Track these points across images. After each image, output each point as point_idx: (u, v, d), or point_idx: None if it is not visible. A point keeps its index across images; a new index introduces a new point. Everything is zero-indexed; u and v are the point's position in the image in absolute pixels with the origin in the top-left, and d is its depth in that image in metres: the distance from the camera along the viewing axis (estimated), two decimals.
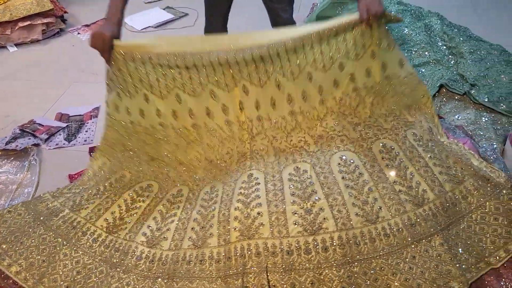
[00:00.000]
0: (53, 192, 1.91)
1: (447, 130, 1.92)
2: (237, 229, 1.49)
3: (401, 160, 1.62)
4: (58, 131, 2.62)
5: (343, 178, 1.57)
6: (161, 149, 1.82)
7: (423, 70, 2.44)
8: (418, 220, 1.47)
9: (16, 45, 3.59)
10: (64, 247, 1.62)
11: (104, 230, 1.67)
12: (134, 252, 1.57)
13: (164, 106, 1.75)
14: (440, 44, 2.55)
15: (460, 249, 1.43)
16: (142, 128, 1.82)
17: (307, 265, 1.39)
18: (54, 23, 3.69)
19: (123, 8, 1.78)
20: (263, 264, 1.40)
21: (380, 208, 1.50)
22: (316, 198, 1.51)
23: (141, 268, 1.52)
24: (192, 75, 1.70)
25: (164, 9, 4.06)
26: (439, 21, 2.67)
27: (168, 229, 1.63)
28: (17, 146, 2.43)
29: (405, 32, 2.59)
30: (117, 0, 1.78)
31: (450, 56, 2.48)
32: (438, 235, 1.44)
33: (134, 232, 1.66)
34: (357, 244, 1.42)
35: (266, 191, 1.57)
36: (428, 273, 1.37)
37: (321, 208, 1.49)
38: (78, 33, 3.78)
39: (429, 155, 1.63)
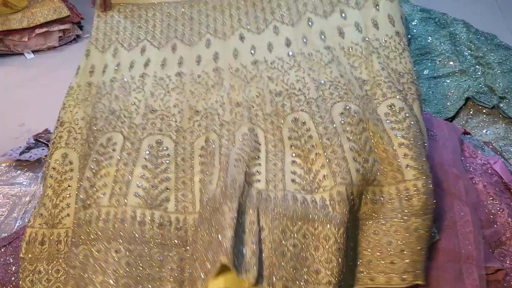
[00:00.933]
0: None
1: (475, 147, 1.82)
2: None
3: (411, 123, 1.44)
4: None
5: (344, 130, 1.41)
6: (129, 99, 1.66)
7: (448, 81, 2.34)
8: (419, 192, 1.34)
9: (33, 52, 3.59)
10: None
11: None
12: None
13: (156, 57, 1.76)
14: (466, 53, 2.44)
15: None
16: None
17: (301, 216, 1.26)
18: (70, 29, 3.67)
19: None
20: (254, 203, 1.25)
21: (378, 170, 1.39)
22: (316, 153, 1.38)
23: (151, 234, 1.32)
24: (193, 26, 1.81)
25: None
26: (465, 29, 2.56)
27: (167, 188, 1.41)
28: (30, 156, 2.41)
29: (429, 40, 2.48)
30: None
31: (477, 67, 2.36)
32: None
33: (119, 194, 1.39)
34: (353, 203, 1.31)
35: (266, 151, 1.43)
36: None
37: (320, 165, 1.36)
38: None
39: None
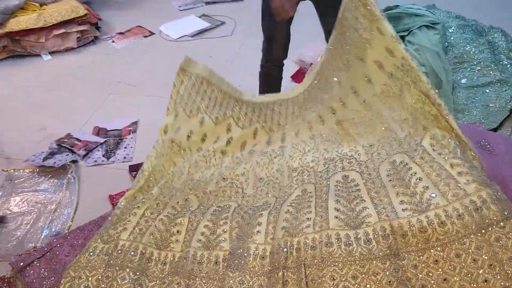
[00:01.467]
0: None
1: None
2: (284, 228, 1.42)
3: (456, 143, 1.44)
4: (96, 147, 2.51)
5: (390, 181, 1.46)
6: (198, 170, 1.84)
7: (488, 91, 2.27)
8: (486, 202, 1.24)
9: (51, 53, 3.51)
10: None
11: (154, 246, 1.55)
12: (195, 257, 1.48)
13: (238, 139, 1.90)
14: (506, 62, 2.37)
15: None
16: (178, 148, 1.86)
17: (347, 257, 1.26)
18: (89, 31, 3.60)
19: None
20: (301, 258, 1.30)
21: (433, 195, 1.32)
22: (361, 199, 1.43)
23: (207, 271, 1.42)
24: (274, 116, 1.94)
25: (199, 17, 3.95)
26: (503, 37, 2.49)
27: (224, 231, 1.54)
28: (55, 163, 2.33)
29: (467, 48, 2.41)
30: None
31: None
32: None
33: (188, 240, 1.55)
34: (403, 235, 1.26)
35: (315, 201, 1.51)
36: (500, 267, 1.15)
37: (365, 207, 1.39)
38: (113, 41, 3.68)
39: None
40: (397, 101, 1.63)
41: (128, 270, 1.42)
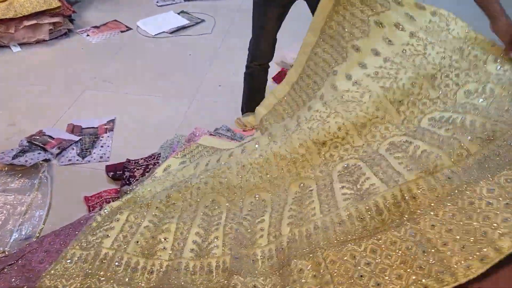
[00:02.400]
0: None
1: None
2: (290, 223, 1.41)
3: (456, 117, 1.47)
4: (70, 145, 2.39)
5: (391, 153, 1.48)
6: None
7: None
8: (490, 156, 1.29)
9: (20, 45, 3.34)
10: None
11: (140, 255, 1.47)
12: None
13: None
14: None
15: None
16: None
17: (363, 232, 1.26)
18: (62, 23, 3.44)
19: None
20: (314, 242, 1.28)
21: (438, 156, 1.35)
22: (365, 177, 1.44)
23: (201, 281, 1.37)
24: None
25: (178, 13, 3.85)
26: None
27: (216, 238, 1.49)
28: (26, 161, 2.20)
29: None
30: None
31: None
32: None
33: (178, 250, 1.48)
34: (414, 197, 1.26)
35: (318, 194, 1.50)
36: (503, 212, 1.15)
37: (372, 184, 1.39)
38: (87, 35, 3.54)
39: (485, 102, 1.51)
40: (394, 82, 1.62)
41: (112, 281, 1.34)
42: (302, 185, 1.56)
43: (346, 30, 1.75)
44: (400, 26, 1.69)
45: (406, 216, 1.26)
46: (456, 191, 1.25)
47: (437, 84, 1.60)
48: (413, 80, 1.60)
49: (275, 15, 2.05)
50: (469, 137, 1.37)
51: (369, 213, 1.29)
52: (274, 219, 1.48)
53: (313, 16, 2.01)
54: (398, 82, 1.61)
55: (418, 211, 1.25)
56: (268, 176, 1.63)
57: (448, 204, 1.23)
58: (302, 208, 1.45)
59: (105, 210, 1.62)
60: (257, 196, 1.59)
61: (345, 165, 1.55)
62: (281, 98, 1.98)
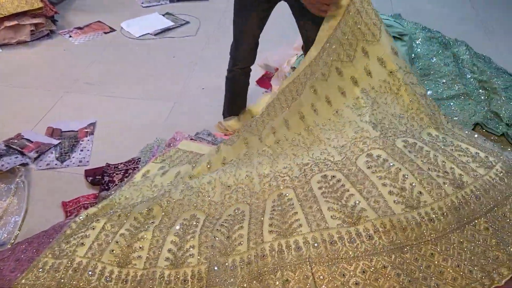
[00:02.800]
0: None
1: None
2: (273, 232, 1.40)
3: (428, 151, 1.55)
4: (49, 149, 2.35)
5: (373, 172, 1.50)
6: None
7: (452, 104, 2.29)
8: (461, 203, 1.39)
9: (0, 46, 3.28)
10: None
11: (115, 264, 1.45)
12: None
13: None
14: (469, 76, 2.41)
15: (508, 232, 1.38)
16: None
17: (354, 253, 1.30)
18: (44, 24, 3.39)
19: None
20: (304, 255, 1.31)
21: (420, 192, 1.41)
22: (349, 194, 1.45)
23: None
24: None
25: (163, 15, 3.81)
26: (467, 51, 2.53)
27: (191, 246, 1.48)
28: (2, 165, 2.16)
29: (433, 61, 2.43)
30: None
31: (480, 91, 2.33)
32: (482, 219, 1.37)
33: (153, 258, 1.47)
34: (403, 229, 1.33)
35: (299, 201, 1.50)
36: (477, 259, 1.32)
37: (356, 201, 1.41)
38: (70, 36, 3.49)
39: (450, 148, 1.59)
40: (369, 111, 1.68)
41: None
42: (280, 194, 1.56)
43: (333, 47, 1.74)
44: (383, 62, 1.70)
45: (397, 244, 1.31)
46: (437, 234, 1.34)
47: (404, 123, 1.67)
48: (382, 115, 1.67)
49: (256, 19, 2.04)
50: (443, 181, 1.43)
51: (359, 237, 1.32)
52: (254, 225, 1.46)
53: (295, 18, 2.01)
54: (373, 111, 1.68)
55: (406, 242, 1.32)
56: (250, 192, 1.64)
57: (430, 243, 1.33)
58: (286, 218, 1.44)
59: (81, 217, 1.60)
60: (236, 210, 1.59)
61: (324, 175, 1.56)
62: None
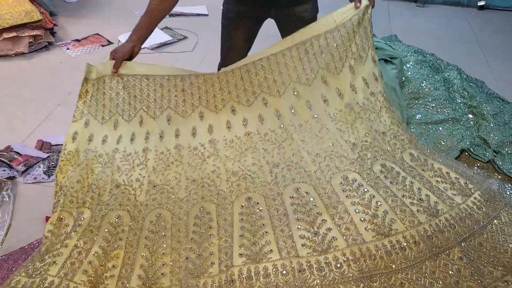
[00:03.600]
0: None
1: None
2: (243, 255, 1.40)
3: (404, 177, 1.57)
4: (37, 163, 2.36)
5: (347, 196, 1.50)
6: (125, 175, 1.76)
7: (441, 129, 2.29)
8: (434, 231, 1.39)
9: None
10: None
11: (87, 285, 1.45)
12: None
13: (155, 128, 1.78)
14: (459, 101, 2.41)
15: (484, 262, 1.38)
16: (95, 156, 1.78)
17: (321, 282, 1.31)
18: (42, 36, 3.43)
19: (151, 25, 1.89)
20: (272, 283, 1.31)
21: (393, 220, 1.41)
22: (322, 219, 1.46)
23: None
24: (186, 97, 1.79)
25: (162, 29, 3.84)
26: (458, 75, 2.53)
27: (163, 264, 1.49)
28: None
29: (423, 85, 2.44)
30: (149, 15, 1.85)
31: (469, 116, 2.33)
32: (456, 248, 1.38)
33: (125, 277, 1.47)
34: (372, 258, 1.34)
35: (270, 217, 1.51)
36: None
37: (328, 228, 1.43)
38: (68, 49, 3.53)
39: (428, 174, 1.61)
40: (350, 128, 1.70)
41: None
42: (249, 199, 1.57)
43: (323, 55, 1.75)
44: (367, 83, 1.75)
45: (365, 273, 1.32)
46: (408, 262, 1.35)
47: (387, 140, 1.69)
48: (366, 131, 1.69)
49: (243, 36, 2.05)
50: (417, 208, 1.45)
51: (328, 266, 1.33)
52: (224, 241, 1.47)
53: (282, 37, 2.02)
54: (354, 129, 1.69)
55: (375, 271, 1.33)
56: (217, 188, 1.64)
57: (400, 272, 1.33)
58: (256, 238, 1.44)
59: (48, 230, 1.62)
60: (201, 208, 1.58)
61: (297, 188, 1.56)
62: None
